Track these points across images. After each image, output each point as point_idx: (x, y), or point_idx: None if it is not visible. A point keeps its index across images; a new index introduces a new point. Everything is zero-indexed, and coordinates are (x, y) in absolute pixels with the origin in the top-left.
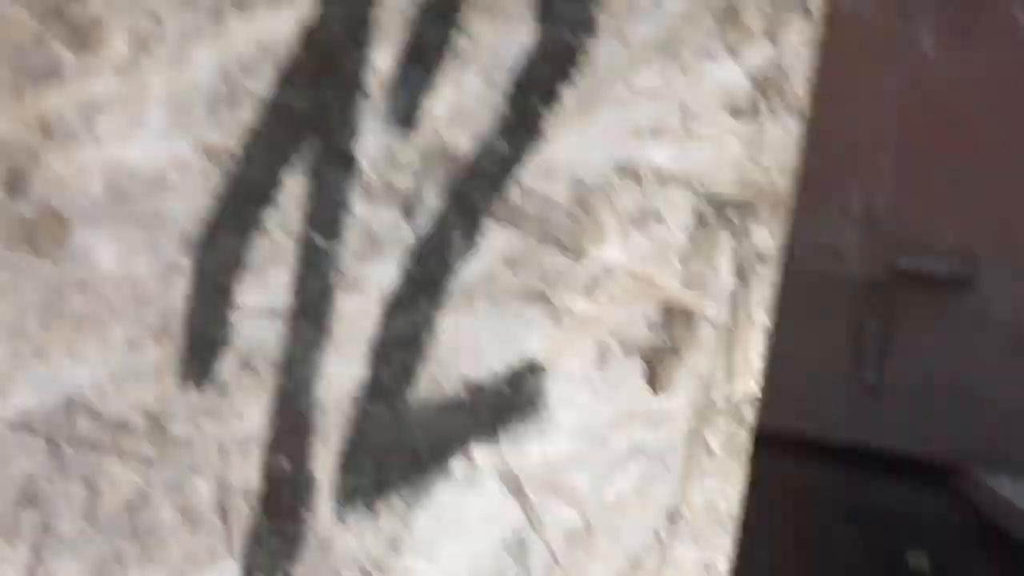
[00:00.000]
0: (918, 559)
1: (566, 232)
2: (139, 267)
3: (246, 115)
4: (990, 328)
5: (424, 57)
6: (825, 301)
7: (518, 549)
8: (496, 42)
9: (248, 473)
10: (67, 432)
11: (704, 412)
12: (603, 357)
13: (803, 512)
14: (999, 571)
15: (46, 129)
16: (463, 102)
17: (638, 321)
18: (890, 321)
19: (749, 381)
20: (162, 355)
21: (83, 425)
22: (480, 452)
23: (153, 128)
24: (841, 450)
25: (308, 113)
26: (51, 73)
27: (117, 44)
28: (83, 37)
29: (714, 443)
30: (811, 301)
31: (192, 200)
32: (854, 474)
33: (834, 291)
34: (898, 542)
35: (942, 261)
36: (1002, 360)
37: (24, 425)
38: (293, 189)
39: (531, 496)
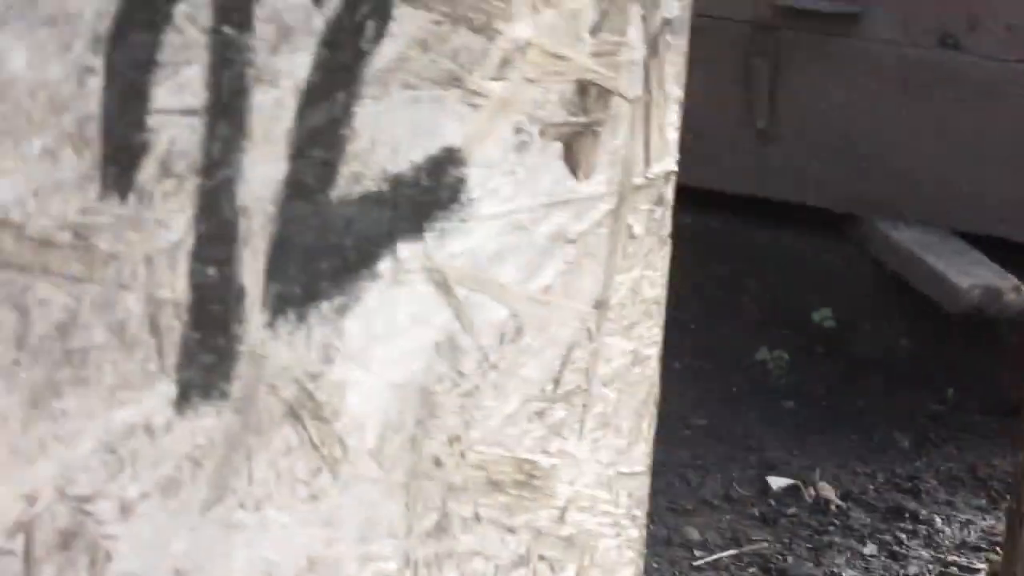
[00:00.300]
0: (822, 314)
1: (476, 11)
2: (52, 71)
3: None
4: (879, 68)
5: None
6: (712, 46)
7: (450, 350)
8: None
9: (177, 285)
10: None
11: (625, 194)
12: (521, 142)
13: (705, 264)
14: (901, 321)
15: None
16: None
17: (553, 101)
18: (779, 63)
19: (666, 157)
20: (82, 165)
21: (8, 245)
22: (406, 249)
23: None
24: (738, 201)
25: None
26: None
27: None
28: None
29: (636, 226)
30: (698, 47)
31: None
32: (752, 225)
33: (721, 35)
34: (800, 297)
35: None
36: (893, 100)
37: None
38: None
39: (459, 294)
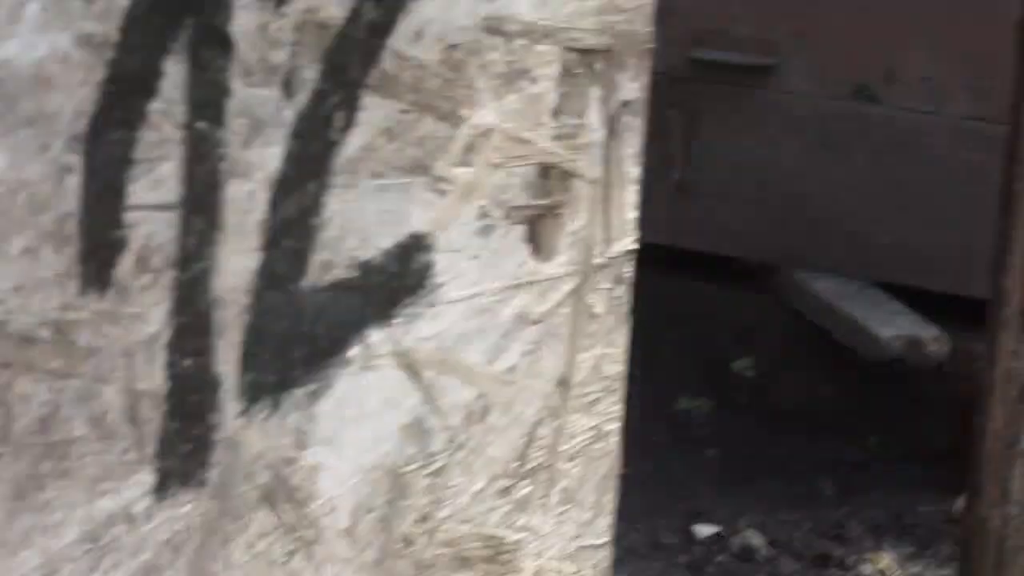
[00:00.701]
0: (742, 365)
1: (442, 98)
2: (31, 171)
3: (121, 1)
4: (795, 120)
5: None
6: None
7: (418, 433)
8: None
9: (155, 377)
10: None
11: (586, 274)
12: (486, 227)
13: None
14: (822, 370)
15: None
16: None
17: (516, 184)
18: (694, 116)
19: (625, 237)
20: (61, 262)
21: None
22: (375, 335)
23: (31, 23)
24: (655, 253)
25: None
26: None
27: None
28: None
29: (597, 305)
30: None
31: (76, 96)
32: (671, 279)
33: None
34: (720, 347)
35: (742, 51)
36: (809, 152)
37: None
38: (174, 76)
39: (427, 376)
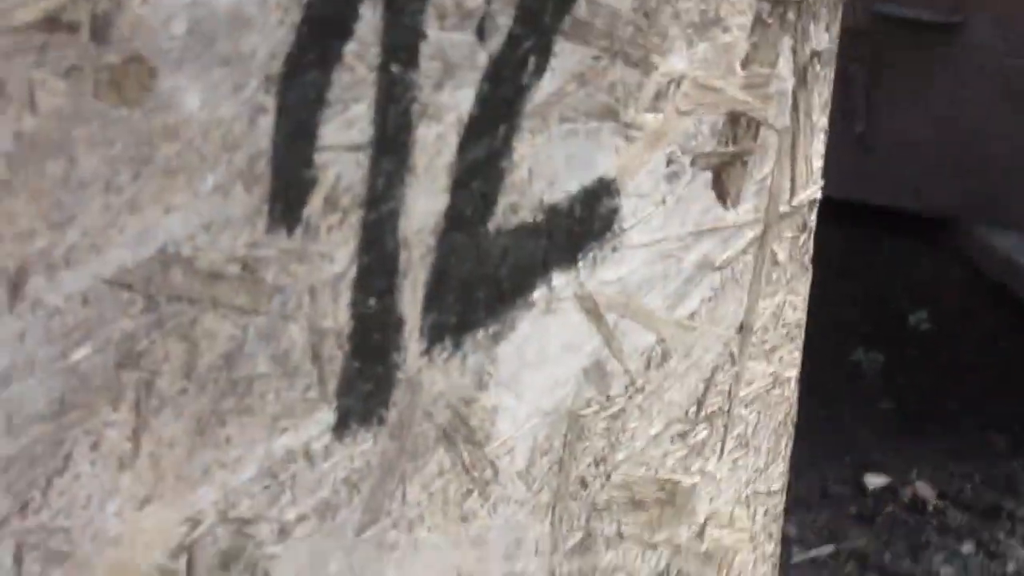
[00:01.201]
0: (918, 319)
1: (634, 45)
2: (225, 110)
3: None
4: (979, 76)
5: None
6: None
7: (598, 376)
8: None
9: (339, 316)
10: (163, 286)
11: (770, 222)
12: (673, 172)
13: None
14: (998, 325)
15: None
16: None
17: (704, 131)
18: (877, 70)
19: (811, 185)
20: (251, 201)
21: (178, 278)
22: (559, 278)
23: None
24: (835, 206)
25: None
26: None
27: None
28: None
29: (780, 253)
30: None
31: (272, 36)
32: (850, 231)
33: None
34: (897, 300)
35: (926, 7)
36: (992, 108)
37: (121, 282)
38: (369, 19)
39: (609, 320)
